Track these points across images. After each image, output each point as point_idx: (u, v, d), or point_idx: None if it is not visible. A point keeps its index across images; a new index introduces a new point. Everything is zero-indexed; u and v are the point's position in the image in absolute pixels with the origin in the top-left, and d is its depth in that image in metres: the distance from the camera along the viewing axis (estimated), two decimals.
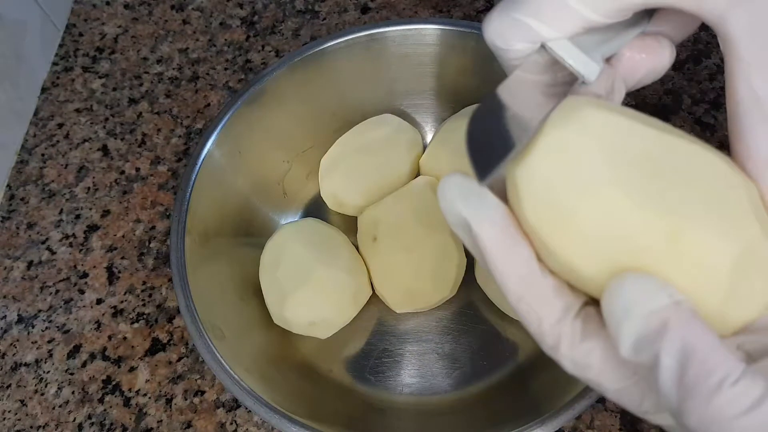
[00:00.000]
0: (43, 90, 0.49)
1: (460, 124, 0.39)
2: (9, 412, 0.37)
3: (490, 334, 0.37)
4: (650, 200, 0.16)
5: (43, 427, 0.36)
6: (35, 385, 0.37)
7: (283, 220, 0.41)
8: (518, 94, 0.19)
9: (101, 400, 0.36)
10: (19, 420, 0.36)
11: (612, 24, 0.20)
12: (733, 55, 0.18)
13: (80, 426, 0.36)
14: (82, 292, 0.40)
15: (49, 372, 0.38)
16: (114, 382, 0.37)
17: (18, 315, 0.40)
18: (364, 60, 0.39)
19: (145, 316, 0.39)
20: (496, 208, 0.17)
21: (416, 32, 0.38)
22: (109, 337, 0.39)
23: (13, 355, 0.38)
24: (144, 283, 0.40)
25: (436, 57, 0.39)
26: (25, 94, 0.47)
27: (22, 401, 0.37)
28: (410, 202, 0.37)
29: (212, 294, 0.34)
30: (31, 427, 0.36)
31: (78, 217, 0.43)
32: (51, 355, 0.38)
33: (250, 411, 0.35)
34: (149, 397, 0.36)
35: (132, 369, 0.37)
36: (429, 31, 0.38)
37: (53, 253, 0.42)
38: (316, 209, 0.42)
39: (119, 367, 0.37)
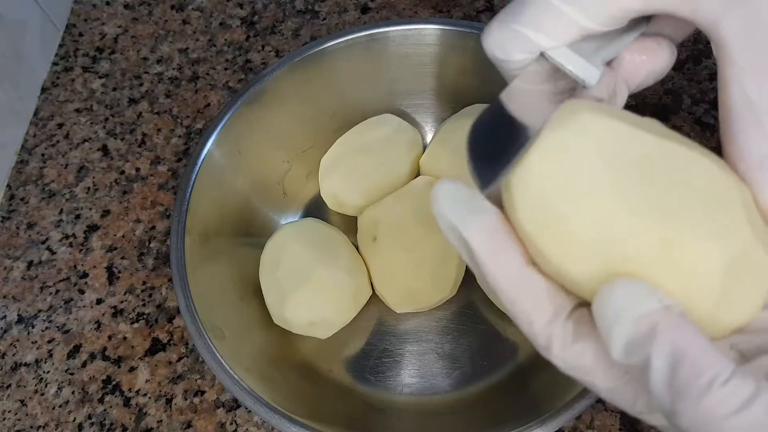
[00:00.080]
0: (43, 90, 0.49)
1: (460, 124, 0.39)
2: (9, 412, 0.37)
3: (490, 334, 0.37)
4: (643, 205, 0.16)
5: (43, 427, 0.36)
6: (35, 385, 0.37)
7: (283, 220, 0.41)
8: (520, 103, 0.20)
9: (101, 400, 0.36)
10: (19, 420, 0.36)
11: (610, 30, 0.20)
12: (726, 60, 0.18)
13: (80, 426, 0.36)
14: (82, 292, 0.40)
15: (49, 372, 0.38)
16: (114, 382, 0.37)
17: (18, 315, 0.40)
18: (364, 60, 0.39)
19: (145, 316, 0.39)
20: (486, 214, 0.18)
21: (416, 32, 0.38)
22: (109, 337, 0.39)
23: (13, 355, 0.38)
24: (144, 283, 0.40)
25: (436, 57, 0.39)
26: (25, 94, 0.47)
27: (22, 401, 0.37)
28: (410, 202, 0.37)
29: (212, 294, 0.34)
30: (31, 427, 0.36)
31: (78, 217, 0.43)
32: (51, 355, 0.38)
33: (250, 411, 0.35)
34: (149, 397, 0.36)
35: (132, 369, 0.37)
36: (429, 31, 0.38)
37: (53, 253, 0.42)
38: (316, 209, 0.42)
39: (119, 367, 0.37)
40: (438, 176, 0.39)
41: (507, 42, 0.20)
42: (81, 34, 0.52)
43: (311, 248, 0.36)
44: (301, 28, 0.50)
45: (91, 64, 0.50)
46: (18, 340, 0.39)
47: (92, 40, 0.51)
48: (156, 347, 0.38)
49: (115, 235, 0.42)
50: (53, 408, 0.37)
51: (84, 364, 0.38)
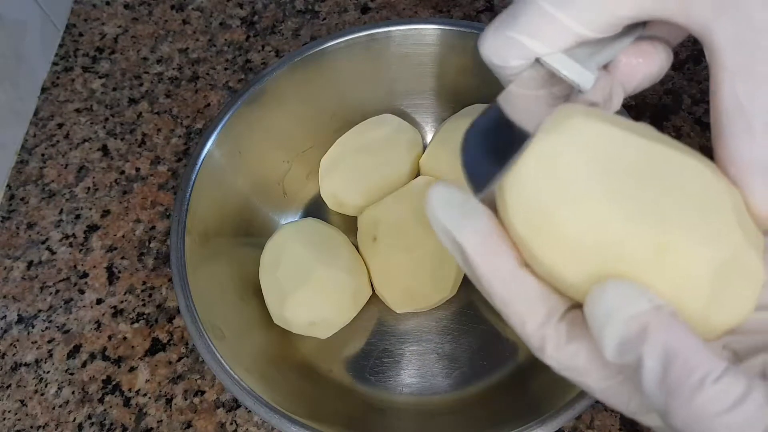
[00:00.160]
0: (43, 90, 0.49)
1: (460, 124, 0.39)
2: (9, 412, 0.37)
3: (490, 334, 0.37)
4: (635, 209, 0.16)
5: (43, 427, 0.36)
6: (35, 385, 0.37)
7: (283, 220, 0.41)
8: (516, 107, 0.20)
9: (101, 400, 0.37)
10: (19, 420, 0.36)
11: (605, 36, 0.20)
12: (717, 65, 0.19)
13: (80, 426, 0.36)
14: (82, 292, 0.40)
15: (49, 372, 0.38)
16: (114, 382, 0.37)
17: (18, 315, 0.40)
18: (364, 60, 0.39)
19: (145, 316, 0.39)
20: (480, 217, 0.18)
21: (416, 32, 0.38)
22: (109, 337, 0.39)
23: (13, 355, 0.38)
24: (144, 283, 0.40)
25: (436, 57, 0.39)
26: (25, 94, 0.47)
27: (22, 401, 0.37)
28: (410, 202, 0.37)
29: (212, 294, 0.34)
30: (31, 427, 0.36)
31: (78, 217, 0.43)
32: (51, 355, 0.38)
33: (250, 411, 0.35)
34: (149, 397, 0.36)
35: (132, 369, 0.37)
36: (429, 31, 0.38)
37: (53, 253, 0.42)
38: (316, 209, 0.42)
39: (119, 367, 0.37)
40: (438, 176, 0.39)
41: (503, 48, 0.21)
42: (81, 34, 0.52)
43: (311, 248, 0.36)
44: (301, 28, 0.50)
45: (91, 64, 0.50)
46: (18, 340, 0.39)
47: (92, 40, 0.51)
48: (156, 347, 0.38)
49: (115, 235, 0.42)
50: (53, 408, 0.37)
51: (84, 364, 0.38)
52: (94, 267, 0.41)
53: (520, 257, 0.18)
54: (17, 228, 0.43)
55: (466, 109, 0.40)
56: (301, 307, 0.35)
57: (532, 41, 0.20)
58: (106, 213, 0.43)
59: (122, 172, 0.45)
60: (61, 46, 0.51)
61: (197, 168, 0.35)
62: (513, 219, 0.17)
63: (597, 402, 0.33)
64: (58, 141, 0.46)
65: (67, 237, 0.42)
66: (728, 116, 0.18)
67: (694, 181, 0.17)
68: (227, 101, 0.41)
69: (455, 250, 0.18)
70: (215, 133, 0.36)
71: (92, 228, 0.43)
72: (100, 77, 0.49)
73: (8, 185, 0.45)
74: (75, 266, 0.41)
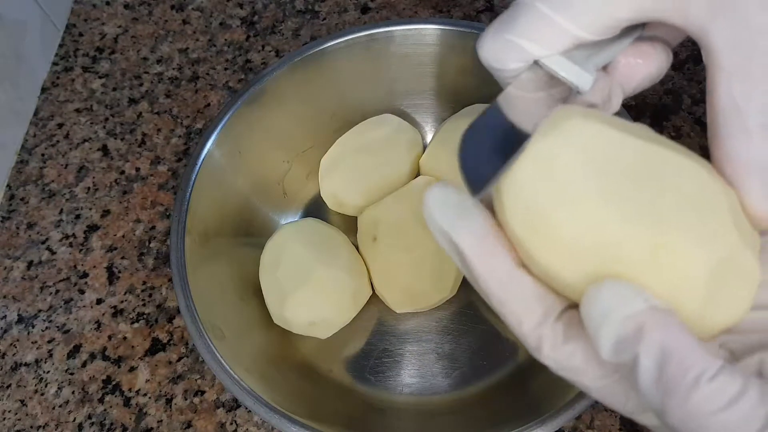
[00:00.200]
0: (43, 90, 0.49)
1: (460, 124, 0.39)
2: (9, 412, 0.37)
3: (490, 334, 0.37)
4: (632, 210, 0.16)
5: (43, 427, 0.36)
6: (35, 385, 0.37)
7: (283, 220, 0.41)
8: (514, 109, 0.20)
9: (101, 400, 0.37)
10: (19, 420, 0.36)
11: (603, 39, 0.21)
12: (714, 65, 0.19)
13: (80, 426, 0.36)
14: (82, 292, 0.40)
15: (49, 372, 0.38)
16: (114, 382, 0.37)
17: (18, 315, 0.40)
18: (364, 60, 0.39)
19: (145, 316, 0.39)
20: (477, 218, 0.18)
21: (416, 32, 0.38)
22: (109, 337, 0.39)
23: (13, 355, 0.38)
24: (144, 283, 0.40)
25: (436, 57, 0.39)
26: (25, 94, 0.47)
27: (22, 401, 0.37)
28: (410, 202, 0.37)
29: (212, 294, 0.34)
30: (31, 427, 0.36)
31: (78, 217, 0.43)
32: (51, 355, 0.38)
33: (250, 411, 0.35)
34: (149, 397, 0.36)
35: (132, 369, 0.37)
36: (429, 31, 0.38)
37: (53, 253, 0.42)
38: (316, 209, 0.42)
39: (119, 367, 0.37)
40: (438, 176, 0.39)
41: (501, 51, 0.21)
42: (81, 34, 0.52)
43: (311, 248, 0.36)
44: (301, 28, 0.50)
45: (91, 64, 0.50)
46: (18, 340, 0.39)
47: (92, 40, 0.51)
48: (156, 347, 0.38)
49: (115, 235, 0.42)
50: (53, 408, 0.37)
51: (84, 364, 0.38)
52: (94, 267, 0.41)
53: (517, 258, 0.18)
54: (17, 228, 0.43)
55: (466, 109, 0.40)
56: (301, 307, 0.35)
57: (530, 44, 0.20)
58: (106, 213, 0.43)
59: (122, 172, 0.45)
60: (61, 46, 0.51)
61: (197, 168, 0.35)
62: (510, 220, 0.17)
63: (597, 402, 0.33)
64: (58, 141, 0.46)
65: (67, 237, 0.42)
66: (724, 117, 0.19)
67: (690, 181, 0.17)
68: (227, 101, 0.41)
69: (452, 251, 0.18)
70: (215, 133, 0.36)
71: (92, 228, 0.43)
72: (100, 77, 0.49)
73: (8, 185, 0.45)
74: (75, 266, 0.41)
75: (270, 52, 0.49)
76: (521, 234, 0.17)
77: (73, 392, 0.37)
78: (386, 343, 0.37)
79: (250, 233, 0.39)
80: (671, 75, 0.46)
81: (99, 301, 0.40)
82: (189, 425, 0.35)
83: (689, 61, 0.46)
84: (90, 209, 0.43)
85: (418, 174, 0.41)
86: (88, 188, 0.44)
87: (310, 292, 0.35)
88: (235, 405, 0.36)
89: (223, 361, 0.30)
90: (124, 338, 0.38)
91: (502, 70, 0.21)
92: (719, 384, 0.14)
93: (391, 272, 0.36)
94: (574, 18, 0.20)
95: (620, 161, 0.17)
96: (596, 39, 0.20)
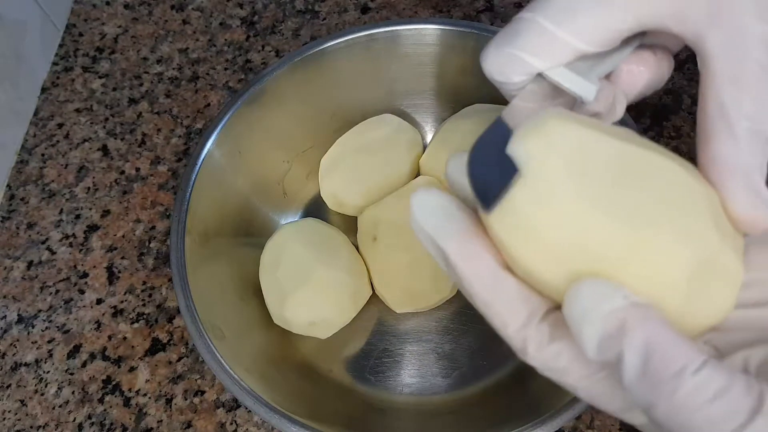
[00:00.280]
0: (43, 90, 0.49)
1: (460, 124, 0.39)
2: (9, 412, 0.37)
3: (490, 334, 0.36)
4: (611, 210, 0.16)
5: (43, 427, 0.36)
6: (35, 385, 0.37)
7: (283, 220, 0.41)
8: (521, 121, 0.20)
9: (101, 400, 0.37)
10: (19, 420, 0.36)
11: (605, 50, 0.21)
12: (707, 70, 0.19)
13: (80, 426, 0.36)
14: (82, 292, 0.40)
15: (49, 372, 0.38)
16: (114, 382, 0.37)
17: (18, 315, 0.40)
18: (364, 60, 0.39)
19: (145, 316, 0.39)
20: (460, 222, 0.18)
21: (416, 32, 0.38)
22: (109, 337, 0.39)
23: (13, 355, 0.38)
24: (144, 283, 0.40)
25: (436, 57, 0.39)
26: (25, 94, 0.47)
27: (22, 401, 0.37)
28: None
29: (212, 294, 0.34)
30: (31, 427, 0.36)
31: (78, 217, 0.43)
32: (51, 355, 0.38)
33: (250, 411, 0.35)
34: (149, 397, 0.36)
35: (132, 369, 0.37)
36: (429, 31, 0.38)
37: (53, 253, 0.42)
38: (316, 209, 0.42)
39: (119, 367, 0.38)
40: (438, 176, 0.39)
41: (505, 65, 0.21)
42: (81, 34, 0.52)
43: (311, 248, 0.36)
44: (301, 28, 0.50)
45: (91, 64, 0.50)
46: (18, 340, 0.39)
47: (92, 40, 0.51)
48: (156, 347, 0.38)
49: (115, 235, 0.42)
50: (53, 408, 0.37)
51: (84, 364, 0.38)
52: (94, 267, 0.41)
53: (501, 260, 0.18)
54: (17, 228, 0.43)
55: (466, 109, 0.40)
56: (301, 307, 0.35)
57: (532, 58, 0.21)
58: (106, 213, 0.43)
59: (122, 172, 0.45)
60: (61, 46, 0.51)
61: (197, 168, 0.35)
62: (492, 221, 0.18)
63: None
64: (58, 141, 0.46)
65: (67, 237, 0.42)
66: (713, 121, 0.19)
67: (671, 183, 0.17)
68: (227, 101, 0.41)
69: (438, 255, 0.19)
70: (215, 133, 0.36)
71: (92, 228, 0.43)
72: (100, 77, 0.49)
73: (8, 185, 0.45)
74: (75, 266, 0.41)
75: (270, 52, 0.49)
76: (504, 236, 0.17)
77: (73, 392, 0.37)
78: (386, 343, 0.37)
79: (250, 233, 0.39)
80: (671, 75, 0.45)
81: (99, 301, 0.40)
82: (189, 425, 0.35)
83: (689, 61, 0.46)
84: (90, 209, 0.43)
85: (418, 174, 0.41)
86: (88, 188, 0.44)
87: (310, 292, 0.35)
88: (235, 405, 0.36)
89: (223, 361, 0.30)
90: (124, 338, 0.38)
91: (506, 83, 0.22)
92: (703, 378, 0.14)
93: (391, 272, 0.36)
94: (575, 32, 0.20)
95: (600, 162, 0.17)
96: (598, 51, 0.21)
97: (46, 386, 0.37)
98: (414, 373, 0.36)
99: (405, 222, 0.36)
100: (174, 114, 0.47)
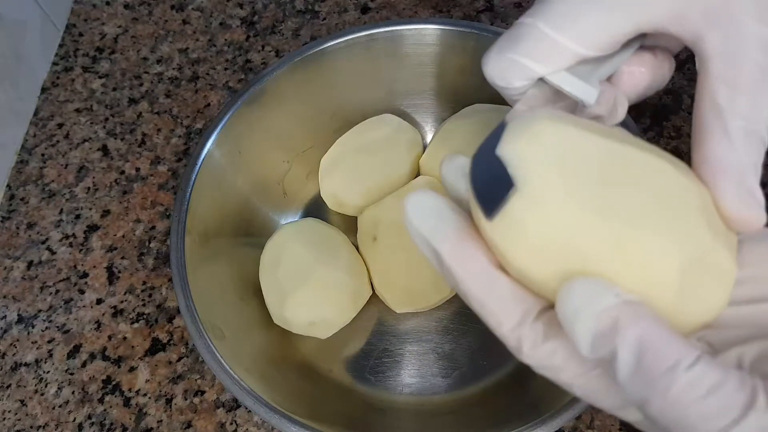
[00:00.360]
0: (43, 90, 0.49)
1: (460, 124, 0.39)
2: (9, 412, 0.37)
3: (490, 334, 0.36)
4: (602, 209, 0.16)
5: (43, 427, 0.36)
6: (35, 385, 0.37)
7: (283, 220, 0.41)
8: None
9: (101, 400, 0.37)
10: (19, 420, 0.36)
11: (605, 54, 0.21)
12: (705, 71, 0.19)
13: (80, 426, 0.36)
14: (82, 292, 0.40)
15: (49, 372, 0.38)
16: (114, 382, 0.37)
17: (18, 315, 0.40)
18: (364, 60, 0.39)
19: (145, 316, 0.39)
20: (453, 223, 0.18)
21: (416, 32, 0.38)
22: (109, 337, 0.39)
23: (13, 355, 0.38)
24: (144, 283, 0.40)
25: (436, 57, 0.39)
26: (25, 94, 0.47)
27: (22, 401, 0.37)
28: None
29: (212, 294, 0.34)
30: (31, 427, 0.36)
31: (78, 217, 0.43)
32: (51, 355, 0.38)
33: (250, 411, 0.35)
34: (149, 397, 0.36)
35: (132, 369, 0.37)
36: (429, 31, 0.38)
37: (53, 253, 0.42)
38: (316, 209, 0.42)
39: (119, 367, 0.38)
40: (438, 176, 0.39)
41: (506, 71, 0.22)
42: (81, 34, 0.52)
43: (311, 248, 0.36)
44: (301, 28, 0.50)
45: (91, 64, 0.50)
46: (18, 340, 0.39)
47: (92, 40, 0.51)
48: (156, 347, 0.38)
49: (115, 235, 0.42)
50: (53, 408, 0.37)
51: (84, 364, 0.38)
52: (94, 267, 0.41)
53: (495, 260, 0.18)
54: (17, 228, 0.43)
55: (466, 109, 0.40)
56: (301, 307, 0.35)
57: (534, 63, 0.21)
58: (106, 213, 0.43)
59: (122, 172, 0.45)
60: (61, 46, 0.51)
61: (197, 168, 0.35)
62: (485, 223, 0.18)
63: None
64: (58, 141, 0.46)
65: (67, 237, 0.42)
66: (707, 120, 0.19)
67: (662, 181, 0.17)
68: (227, 101, 0.41)
69: (432, 257, 0.19)
70: (215, 133, 0.36)
71: (92, 228, 0.43)
72: (100, 77, 0.49)
73: (8, 185, 0.45)
74: (75, 266, 0.41)
75: (270, 52, 0.49)
76: (496, 237, 0.17)
77: (73, 392, 0.37)
78: (386, 343, 0.37)
79: (250, 233, 0.39)
80: (671, 75, 0.46)
81: (99, 301, 0.40)
82: (189, 425, 0.35)
83: (689, 61, 0.46)
84: (90, 209, 0.43)
85: (418, 174, 0.41)
86: (88, 188, 0.44)
87: (310, 292, 0.35)
88: (235, 405, 0.36)
89: (223, 361, 0.30)
90: (124, 338, 0.38)
91: (507, 88, 0.22)
92: (697, 374, 0.14)
93: (391, 272, 0.36)
94: (575, 37, 0.20)
95: (590, 162, 0.17)
96: (598, 55, 0.21)
97: (46, 386, 0.37)
98: (414, 373, 0.36)
99: None
100: (174, 114, 0.47)
